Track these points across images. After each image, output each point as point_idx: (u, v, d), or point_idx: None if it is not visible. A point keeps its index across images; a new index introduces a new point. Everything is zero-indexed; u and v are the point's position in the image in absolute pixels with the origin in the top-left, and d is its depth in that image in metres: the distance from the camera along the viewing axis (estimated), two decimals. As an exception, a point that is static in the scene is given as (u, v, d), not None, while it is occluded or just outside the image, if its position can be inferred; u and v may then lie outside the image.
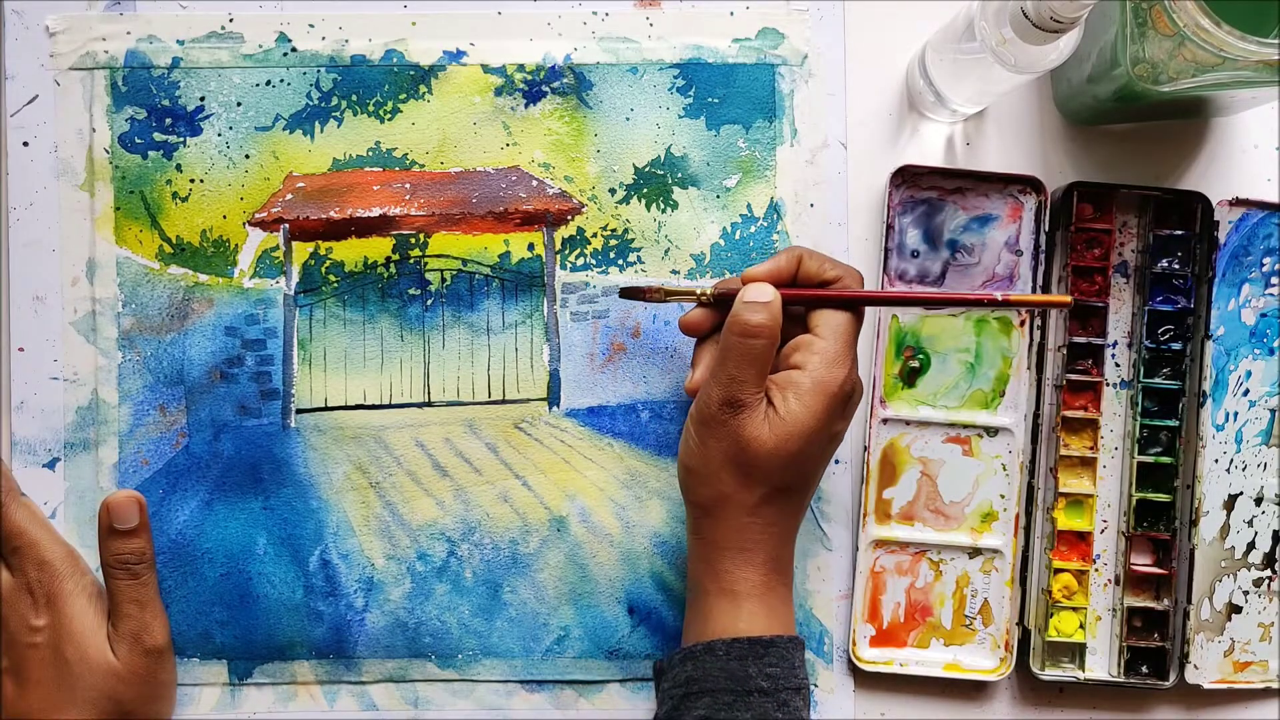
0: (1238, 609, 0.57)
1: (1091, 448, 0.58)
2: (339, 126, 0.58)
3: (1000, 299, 0.50)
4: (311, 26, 0.58)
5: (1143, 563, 0.58)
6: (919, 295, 0.53)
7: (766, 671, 0.47)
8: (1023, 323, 0.57)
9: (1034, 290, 0.57)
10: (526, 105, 0.58)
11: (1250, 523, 0.58)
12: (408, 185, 0.58)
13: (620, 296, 0.54)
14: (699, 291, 0.52)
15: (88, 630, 0.52)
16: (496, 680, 0.57)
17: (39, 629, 0.52)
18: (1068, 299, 0.50)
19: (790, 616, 0.50)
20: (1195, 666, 0.57)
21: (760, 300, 0.49)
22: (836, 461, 0.57)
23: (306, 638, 0.57)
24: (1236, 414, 0.58)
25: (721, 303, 0.52)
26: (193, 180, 0.57)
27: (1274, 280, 0.58)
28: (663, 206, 0.58)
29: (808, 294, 0.51)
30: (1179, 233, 0.57)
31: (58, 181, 0.57)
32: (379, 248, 0.58)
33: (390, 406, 0.58)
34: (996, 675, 0.57)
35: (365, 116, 0.58)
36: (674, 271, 0.58)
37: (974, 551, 0.58)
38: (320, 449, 0.57)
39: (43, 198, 0.57)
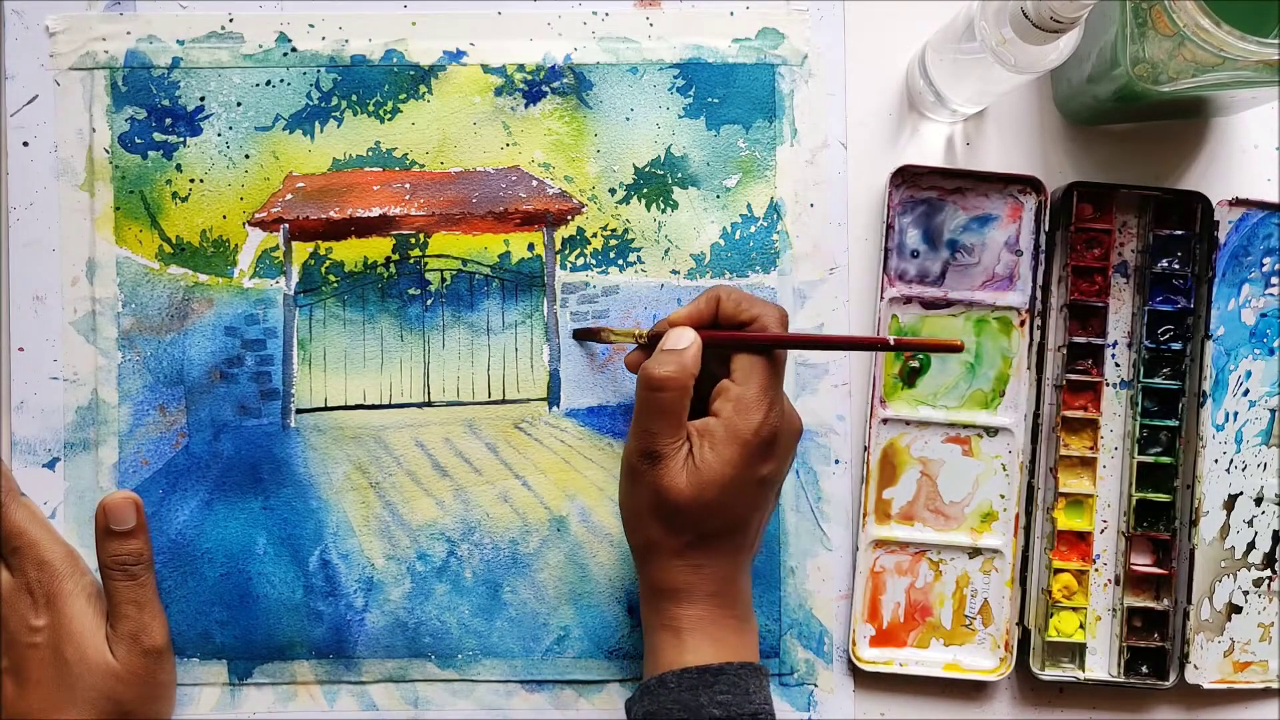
0: (1238, 609, 0.57)
1: (1091, 448, 0.58)
2: (339, 126, 0.58)
3: (892, 343, 0.49)
4: (311, 26, 0.58)
5: (1143, 563, 0.58)
6: (810, 337, 0.55)
7: (718, 700, 0.47)
8: (1022, 323, 0.58)
9: (1033, 289, 0.57)
10: (526, 105, 0.58)
11: (1250, 523, 0.58)
12: (408, 185, 0.58)
13: (574, 338, 0.57)
14: (635, 333, 0.53)
15: (87, 630, 0.52)
16: (496, 680, 0.57)
17: (39, 629, 0.52)
18: (958, 342, 0.49)
19: (744, 645, 0.50)
20: (1195, 666, 0.57)
21: (674, 348, 0.49)
22: (836, 461, 0.57)
23: (306, 638, 0.57)
24: (1236, 414, 0.58)
25: (655, 344, 0.52)
26: (193, 180, 0.57)
27: (1274, 280, 0.58)
28: (663, 206, 0.58)
29: (721, 336, 0.50)
30: (1179, 233, 0.57)
31: (58, 181, 0.57)
32: (379, 248, 0.58)
33: (390, 406, 0.58)
34: (996, 675, 0.57)
35: (365, 116, 0.58)
36: (674, 271, 0.58)
37: (974, 551, 0.58)
38: (320, 449, 0.57)
39: (43, 198, 0.57)
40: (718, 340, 0.50)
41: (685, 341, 0.49)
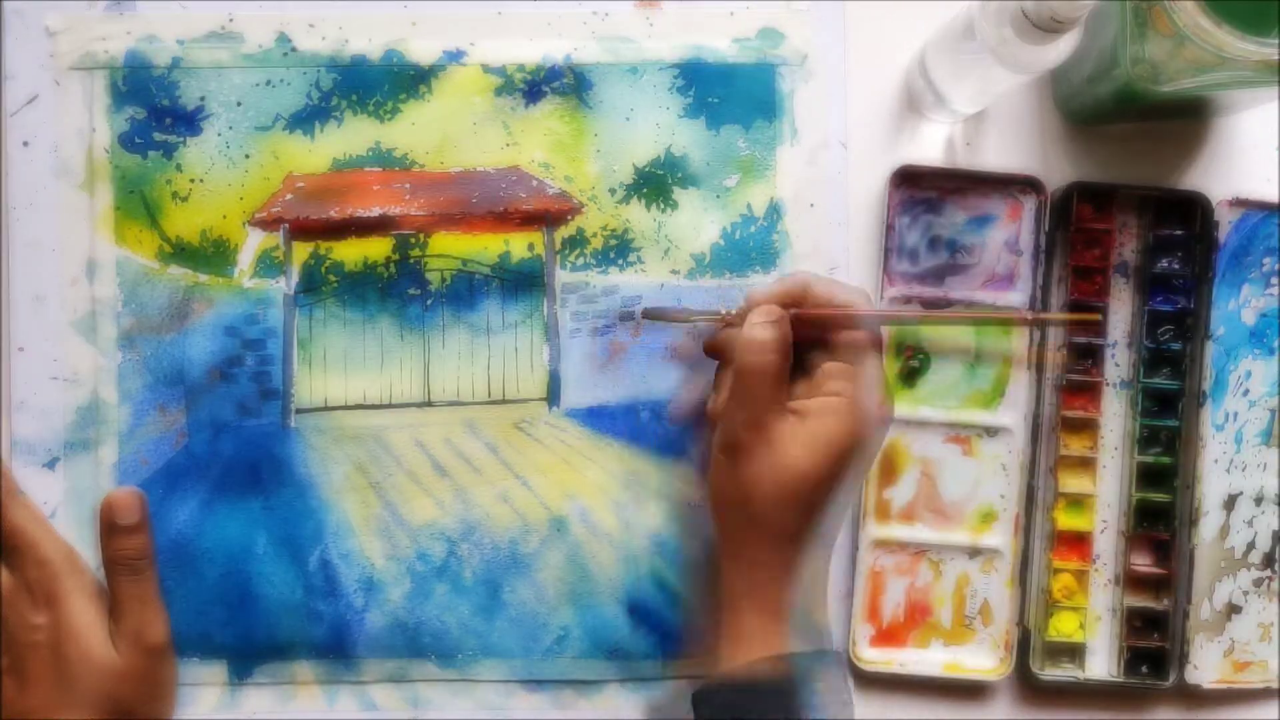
0: (1238, 609, 0.57)
1: (1091, 448, 0.58)
2: (339, 126, 0.58)
3: (1031, 318, 0.48)
4: (311, 26, 0.58)
5: (1143, 563, 0.58)
6: (941, 315, 0.52)
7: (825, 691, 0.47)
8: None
9: (1033, 289, 0.57)
10: (526, 105, 0.58)
11: (1250, 523, 0.58)
12: (408, 185, 0.58)
13: (644, 317, 0.55)
14: (723, 314, 0.52)
15: (88, 628, 0.52)
16: (496, 680, 0.57)
17: (39, 627, 0.52)
18: (1096, 315, 0.48)
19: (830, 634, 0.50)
20: (1195, 666, 0.57)
21: (768, 320, 0.48)
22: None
23: (306, 637, 0.57)
24: (1236, 414, 0.58)
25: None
26: (193, 180, 0.57)
27: (1274, 280, 0.58)
28: (663, 206, 0.58)
29: (823, 314, 0.49)
30: (1179, 233, 0.57)
31: (58, 181, 0.57)
32: (379, 248, 0.58)
33: (390, 406, 0.58)
34: (996, 675, 0.57)
35: (365, 116, 0.58)
36: (674, 271, 0.58)
37: (974, 551, 0.58)
38: (320, 449, 0.57)
39: (43, 198, 0.57)
40: (817, 319, 0.49)
41: (775, 314, 0.49)
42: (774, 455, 0.47)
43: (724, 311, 0.52)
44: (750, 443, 0.48)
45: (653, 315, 0.55)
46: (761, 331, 0.48)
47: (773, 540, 0.48)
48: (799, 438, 0.47)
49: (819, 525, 0.48)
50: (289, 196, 0.58)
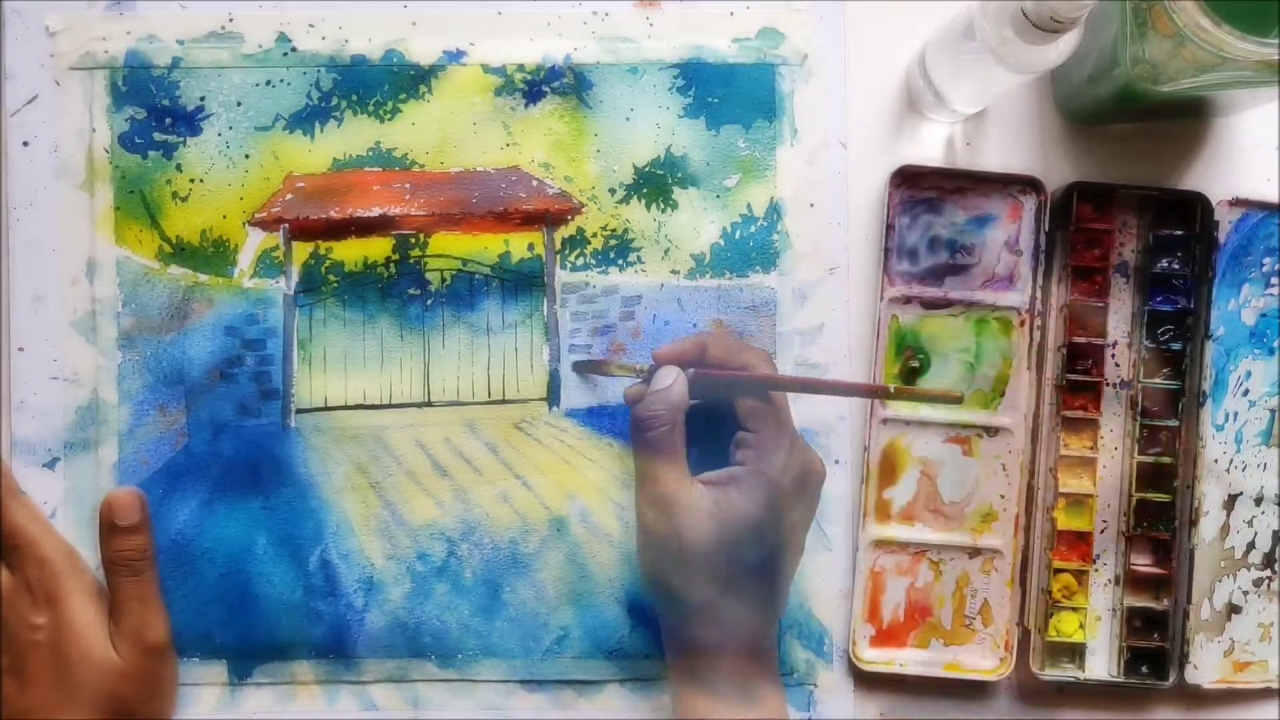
0: (1238, 609, 0.57)
1: (1091, 448, 0.58)
2: (339, 126, 0.58)
3: (893, 390, 0.50)
4: (311, 26, 0.58)
5: (1143, 563, 0.58)
6: (808, 380, 0.54)
7: None
8: (1022, 323, 0.57)
9: (1034, 288, 0.57)
10: (526, 105, 0.58)
11: (1250, 523, 0.58)
12: (408, 185, 0.58)
13: (574, 370, 0.57)
14: (637, 368, 0.54)
15: (88, 628, 0.52)
16: (496, 680, 0.57)
17: (39, 627, 0.52)
18: (958, 394, 0.49)
19: (780, 707, 0.49)
20: (1195, 666, 0.57)
21: (658, 388, 0.49)
22: (836, 461, 0.57)
23: (306, 638, 0.57)
24: (1236, 414, 0.58)
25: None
26: (193, 180, 0.57)
27: (1274, 280, 0.58)
28: (663, 206, 0.58)
29: (715, 374, 0.50)
30: (1179, 233, 0.57)
31: (57, 181, 0.57)
32: (379, 248, 0.58)
33: (390, 406, 0.58)
34: (996, 675, 0.57)
35: (365, 116, 0.58)
36: (674, 271, 0.58)
37: (974, 551, 0.58)
38: (320, 449, 0.57)
39: (43, 198, 0.57)
40: (710, 379, 0.50)
41: (669, 379, 0.50)
42: (681, 529, 0.47)
43: (638, 367, 0.54)
44: (654, 519, 0.48)
45: (582, 368, 0.57)
46: (644, 408, 0.49)
47: (688, 614, 0.48)
48: (705, 510, 0.48)
49: (745, 597, 0.48)
50: (289, 196, 0.58)
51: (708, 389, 0.51)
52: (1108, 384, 0.58)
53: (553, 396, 0.58)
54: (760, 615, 0.49)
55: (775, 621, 0.51)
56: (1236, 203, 0.57)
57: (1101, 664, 0.58)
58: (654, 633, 0.57)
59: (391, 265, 0.58)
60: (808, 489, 0.50)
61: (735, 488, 0.48)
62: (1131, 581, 0.58)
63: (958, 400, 0.49)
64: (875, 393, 0.51)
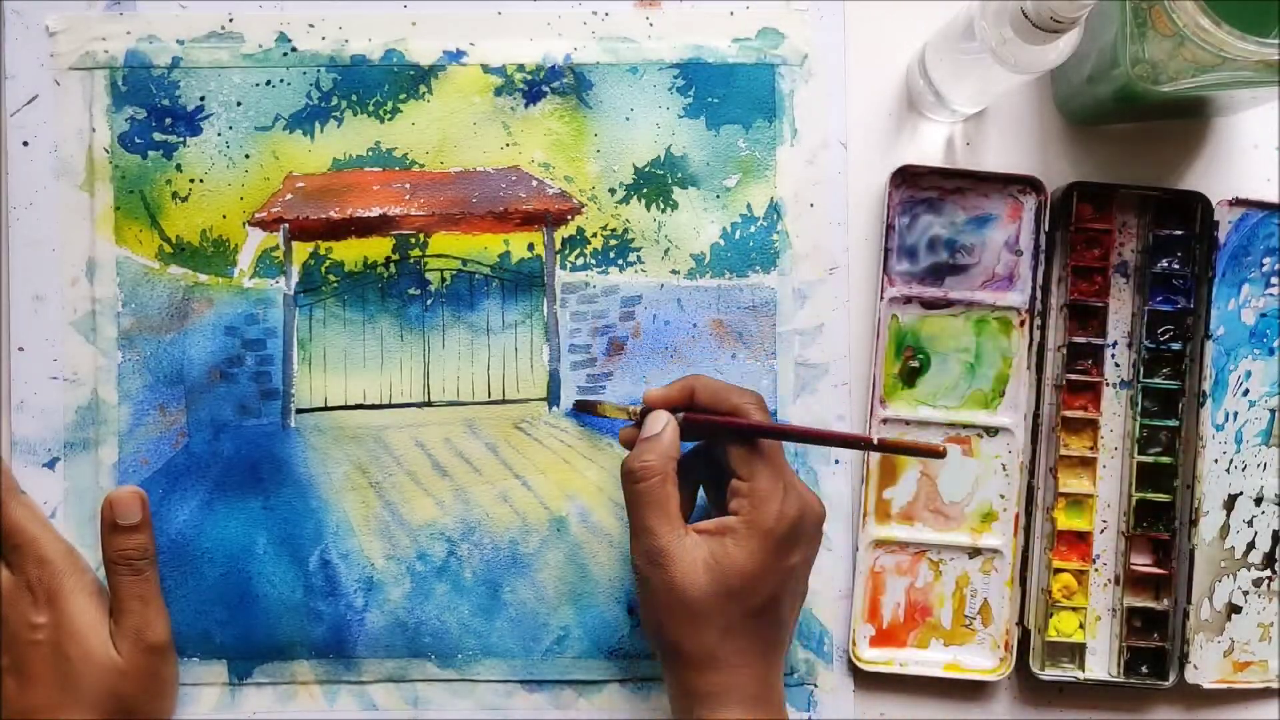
0: (1237, 609, 0.57)
1: (1091, 448, 0.58)
2: (339, 126, 0.58)
3: (875, 443, 0.50)
4: (311, 26, 0.58)
5: (1142, 563, 0.58)
6: (795, 429, 0.53)
7: None
8: (1022, 323, 0.57)
9: (1033, 289, 0.57)
10: (526, 105, 0.58)
11: (1250, 523, 0.58)
12: (408, 185, 0.58)
13: (573, 409, 0.56)
14: (629, 411, 0.52)
15: (89, 627, 0.52)
16: (496, 680, 0.57)
17: (40, 626, 0.52)
18: (940, 448, 0.48)
19: None
20: (1195, 666, 0.57)
21: (649, 435, 0.48)
22: (836, 461, 0.57)
23: (306, 637, 0.57)
24: (1236, 414, 0.58)
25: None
26: (193, 180, 0.57)
27: (1274, 280, 0.58)
28: (663, 206, 0.58)
29: (703, 420, 0.49)
30: (1179, 233, 0.57)
31: (58, 181, 0.57)
32: (379, 248, 0.58)
33: (390, 406, 0.58)
34: (996, 675, 0.57)
35: (365, 116, 0.58)
36: (674, 271, 0.58)
37: (974, 551, 0.58)
38: (320, 449, 0.57)
39: (43, 198, 0.57)
40: (700, 424, 0.50)
41: (659, 426, 0.49)
42: (674, 580, 0.47)
43: (630, 410, 0.52)
44: (649, 572, 0.47)
45: (580, 408, 0.56)
46: (635, 459, 0.48)
47: (688, 664, 0.47)
48: (699, 562, 0.47)
49: (745, 644, 0.47)
50: (289, 196, 0.58)
51: (698, 434, 0.51)
52: (1108, 384, 0.58)
53: (553, 396, 0.58)
54: (762, 660, 0.48)
55: (779, 665, 0.50)
56: (1236, 203, 0.57)
57: (1101, 664, 0.58)
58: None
59: (391, 265, 0.58)
60: (806, 531, 0.49)
61: (731, 538, 0.47)
62: (1131, 581, 0.58)
63: (940, 455, 0.48)
64: (858, 444, 0.51)
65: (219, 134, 0.57)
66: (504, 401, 0.58)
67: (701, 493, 0.54)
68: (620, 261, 0.58)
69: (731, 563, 0.47)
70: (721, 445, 0.49)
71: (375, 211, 0.58)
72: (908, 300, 0.58)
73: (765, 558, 0.47)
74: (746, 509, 0.48)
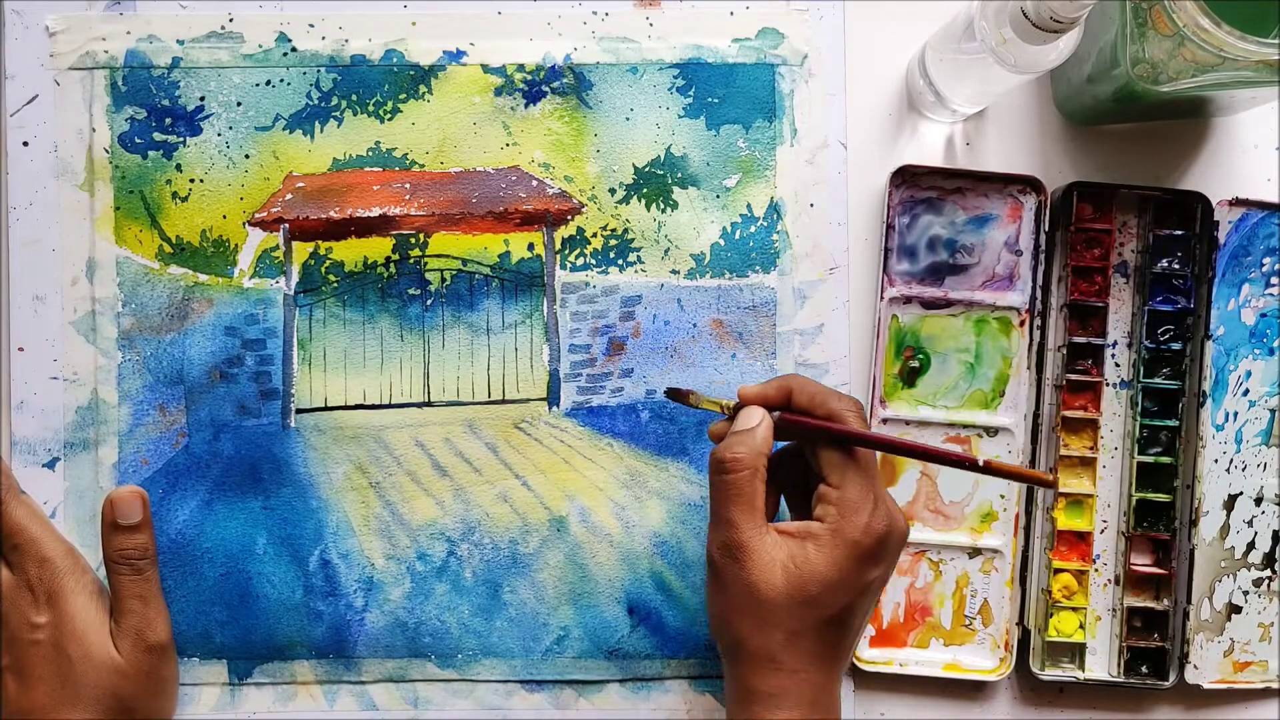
0: (1237, 609, 0.57)
1: (1091, 448, 0.58)
2: (339, 126, 0.58)
3: (981, 464, 0.48)
4: (311, 26, 0.58)
5: (1143, 563, 0.58)
6: (899, 442, 0.49)
7: None
8: (1022, 323, 0.57)
9: (1033, 289, 0.57)
10: (526, 105, 0.58)
11: (1250, 523, 0.58)
12: (408, 185, 0.58)
13: (665, 395, 0.53)
14: (722, 404, 0.51)
15: (90, 627, 0.52)
16: (496, 680, 0.57)
17: (40, 626, 0.52)
18: (1050, 478, 0.47)
19: None
20: (1195, 666, 0.57)
21: (742, 429, 0.47)
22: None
23: (306, 637, 0.57)
24: (1236, 414, 0.58)
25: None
26: (192, 180, 0.57)
27: (1274, 280, 0.58)
28: (663, 206, 0.58)
29: (805, 423, 0.48)
30: (1179, 233, 0.57)
31: (57, 181, 0.57)
32: (379, 248, 0.58)
33: (390, 406, 0.58)
34: (996, 675, 0.57)
35: (365, 116, 0.58)
36: (674, 271, 0.58)
37: (974, 551, 0.58)
38: (320, 449, 0.57)
39: (42, 197, 0.57)
40: (796, 425, 0.48)
41: (754, 420, 0.48)
42: (749, 577, 0.46)
43: (724, 403, 0.51)
44: (724, 564, 0.47)
45: (671, 395, 0.53)
46: (726, 450, 0.47)
47: (750, 662, 0.47)
48: (778, 563, 0.46)
49: (810, 650, 0.47)
50: (289, 196, 0.58)
51: (791, 434, 0.49)
52: (1108, 384, 0.58)
53: (552, 396, 0.58)
54: (825, 668, 0.47)
55: (839, 674, 0.49)
56: (1236, 203, 0.57)
57: (1101, 664, 0.58)
58: (654, 632, 0.57)
59: (391, 265, 0.58)
60: (889, 549, 0.47)
61: (813, 544, 0.46)
62: (1131, 581, 0.58)
63: (1051, 485, 0.47)
64: (964, 465, 0.48)
65: (219, 134, 0.57)
66: (504, 401, 0.58)
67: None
68: (620, 261, 0.58)
69: (811, 568, 0.46)
70: (813, 449, 0.48)
71: (375, 211, 0.58)
72: (908, 300, 0.58)
73: (846, 568, 0.46)
74: (834, 516, 0.47)
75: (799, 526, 0.47)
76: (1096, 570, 0.58)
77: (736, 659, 0.48)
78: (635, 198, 0.58)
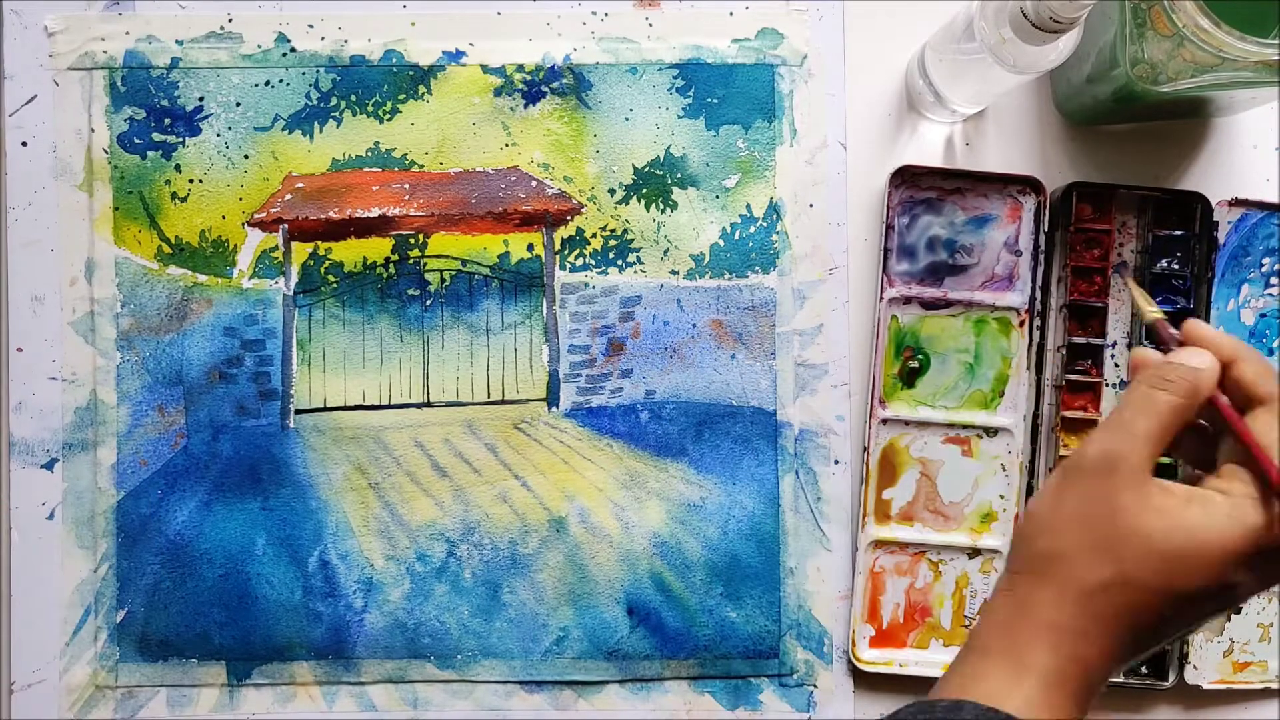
0: (1237, 609, 0.57)
1: (1091, 448, 0.58)
2: (338, 127, 0.58)
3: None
4: (311, 27, 0.58)
5: (1142, 563, 0.58)
6: None
7: None
8: (1022, 323, 0.57)
9: (1033, 289, 0.57)
10: (526, 105, 0.58)
11: (1250, 523, 0.58)
12: (407, 185, 0.58)
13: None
14: (1162, 326, 0.43)
15: None
16: (495, 681, 0.57)
17: None
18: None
19: None
20: (1195, 667, 0.57)
21: (1192, 363, 0.40)
22: (836, 462, 0.57)
23: (305, 638, 0.57)
24: (1236, 414, 0.58)
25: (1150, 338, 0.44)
26: (192, 180, 0.57)
27: (1274, 280, 0.58)
28: (662, 207, 0.58)
29: (1240, 428, 0.40)
30: (1179, 233, 0.57)
31: (56, 181, 0.57)
32: (378, 248, 0.58)
33: (390, 407, 0.58)
34: (996, 676, 0.57)
35: (364, 117, 0.58)
36: (673, 271, 0.58)
37: (973, 552, 0.58)
38: (319, 449, 0.57)
39: (41, 198, 0.57)
40: (1220, 414, 0.41)
41: (1204, 363, 0.40)
42: (1121, 499, 0.39)
43: (1178, 336, 0.42)
44: (1097, 468, 0.39)
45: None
46: (1173, 368, 0.40)
47: (1061, 593, 0.39)
48: (1152, 494, 0.39)
49: (1126, 604, 0.39)
50: (288, 197, 0.58)
51: (1208, 416, 0.42)
52: (1108, 384, 0.58)
53: (552, 397, 0.58)
54: (1133, 641, 0.39)
55: (1128, 649, 0.40)
56: (1236, 203, 0.57)
57: (1101, 664, 0.58)
58: (653, 632, 0.57)
59: (391, 266, 0.58)
60: (1262, 575, 0.39)
61: (1200, 506, 0.38)
62: (1131, 582, 0.58)
63: None
64: None
65: (218, 134, 0.57)
66: (503, 402, 0.58)
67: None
68: (620, 262, 0.58)
69: (1182, 527, 0.38)
70: (1224, 428, 0.41)
71: (375, 212, 0.58)
72: (907, 300, 0.57)
73: (1223, 555, 0.38)
74: (1239, 491, 0.39)
75: (1188, 489, 0.39)
76: (1096, 570, 0.58)
77: (1047, 577, 0.39)
78: (635, 198, 0.58)
